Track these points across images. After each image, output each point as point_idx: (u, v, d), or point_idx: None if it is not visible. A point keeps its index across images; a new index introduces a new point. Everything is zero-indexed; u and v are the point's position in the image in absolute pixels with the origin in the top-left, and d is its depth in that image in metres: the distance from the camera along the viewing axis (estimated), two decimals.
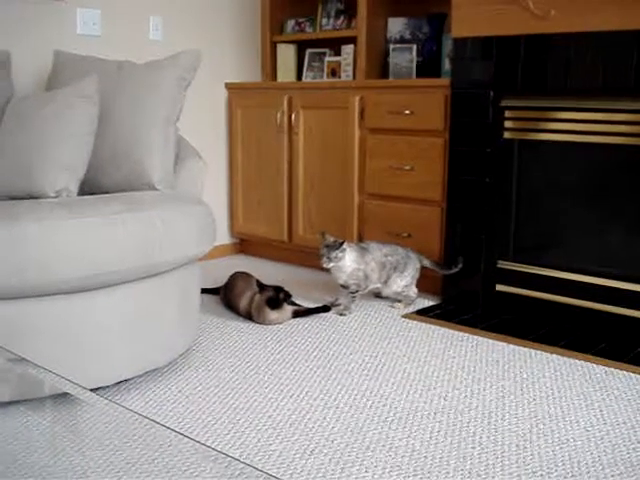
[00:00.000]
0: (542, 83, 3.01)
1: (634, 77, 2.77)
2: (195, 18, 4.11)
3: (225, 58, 4.31)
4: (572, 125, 2.97)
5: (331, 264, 3.21)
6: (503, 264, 3.22)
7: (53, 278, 2.13)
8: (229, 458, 1.37)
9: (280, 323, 3.15)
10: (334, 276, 3.29)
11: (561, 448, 2.08)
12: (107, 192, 2.65)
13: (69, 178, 2.54)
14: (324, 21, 4.19)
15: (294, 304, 3.28)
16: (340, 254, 3.20)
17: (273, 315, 3.13)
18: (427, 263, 3.40)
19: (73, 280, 2.17)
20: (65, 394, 2.08)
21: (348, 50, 4.04)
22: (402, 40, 3.85)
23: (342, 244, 3.20)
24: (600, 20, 2.82)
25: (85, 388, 1.70)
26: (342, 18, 4.11)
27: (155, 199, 2.49)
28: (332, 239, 3.24)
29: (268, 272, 4.03)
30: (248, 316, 3.20)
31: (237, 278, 3.39)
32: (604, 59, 2.84)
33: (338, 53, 4.15)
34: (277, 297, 3.12)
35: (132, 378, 2.50)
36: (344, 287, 3.31)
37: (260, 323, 3.15)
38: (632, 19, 2.74)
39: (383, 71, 3.92)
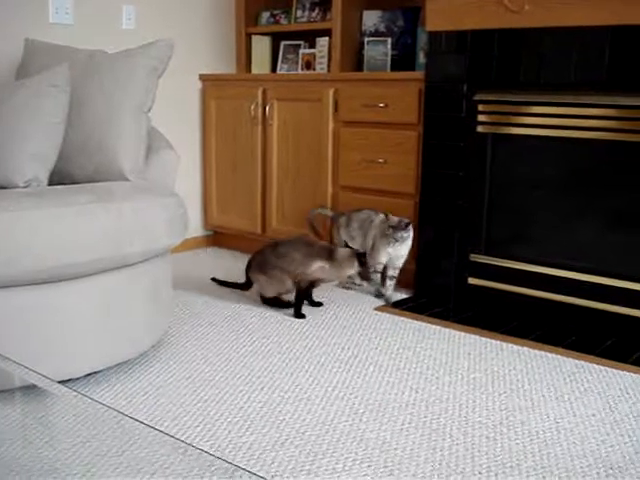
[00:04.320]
0: (515, 77, 3.02)
1: (606, 72, 2.79)
2: (169, 8, 4.07)
3: (199, 49, 4.28)
4: (545, 119, 2.99)
5: (397, 244, 3.29)
6: (475, 257, 3.24)
7: (21, 269, 2.10)
8: (198, 450, 1.36)
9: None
10: (392, 256, 3.34)
11: (531, 440, 2.10)
12: (78, 182, 2.63)
13: (39, 168, 2.51)
14: (299, 13, 4.18)
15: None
16: (405, 234, 3.27)
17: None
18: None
19: (42, 271, 2.14)
20: (34, 386, 2.06)
21: (323, 42, 4.03)
22: (377, 33, 3.84)
23: (408, 225, 3.26)
24: (573, 15, 2.83)
25: (53, 380, 1.68)
26: (317, 10, 4.10)
27: (126, 190, 2.47)
28: (396, 219, 3.28)
29: (241, 264, 4.01)
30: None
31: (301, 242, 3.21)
32: (577, 54, 2.85)
33: (313, 45, 4.14)
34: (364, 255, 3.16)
35: (102, 370, 2.48)
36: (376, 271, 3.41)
37: (328, 277, 3.17)
38: (604, 15, 2.76)
39: (358, 64, 3.91)
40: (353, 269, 3.13)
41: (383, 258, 3.35)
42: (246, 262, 3.28)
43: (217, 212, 4.36)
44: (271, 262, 3.13)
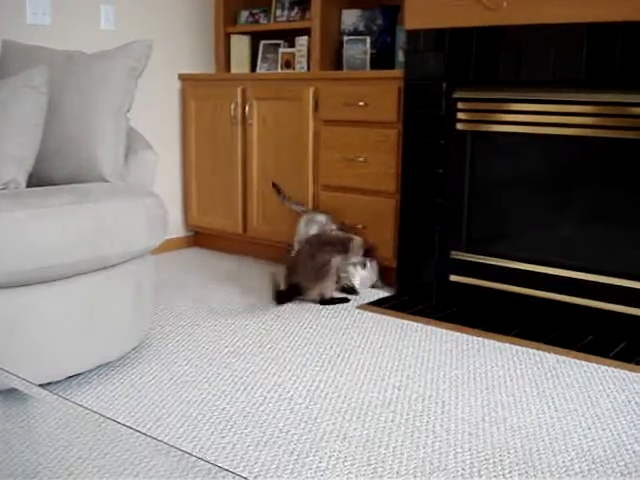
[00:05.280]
0: (494, 75, 3.03)
1: (584, 69, 2.80)
2: (148, 8, 4.06)
3: (179, 49, 4.27)
4: (524, 117, 3.00)
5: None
6: (456, 255, 3.25)
7: (1, 271, 2.09)
8: (180, 452, 1.36)
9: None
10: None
11: (513, 435, 2.11)
12: (56, 184, 2.61)
13: (17, 170, 2.49)
14: (278, 12, 4.18)
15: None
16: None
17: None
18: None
19: (20, 273, 2.12)
20: (14, 390, 2.05)
21: (302, 42, 4.03)
22: (356, 32, 3.85)
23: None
24: (551, 12, 2.84)
25: (33, 384, 1.67)
26: (296, 9, 4.10)
27: (105, 191, 2.46)
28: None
29: (222, 264, 4.01)
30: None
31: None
32: (555, 51, 2.87)
33: (292, 44, 4.14)
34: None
35: (83, 373, 2.46)
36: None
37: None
38: (582, 11, 2.77)
39: (337, 63, 3.91)
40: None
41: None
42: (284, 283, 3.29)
43: (198, 212, 4.34)
44: (322, 266, 3.24)
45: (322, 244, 3.30)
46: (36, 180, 2.62)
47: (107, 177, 2.62)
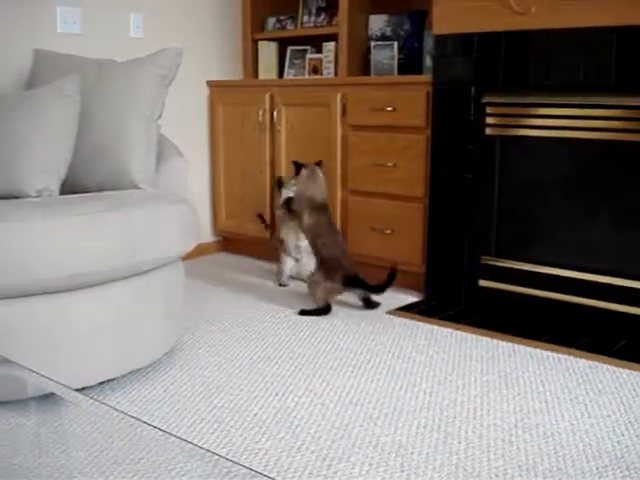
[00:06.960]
0: (523, 79, 3.02)
1: (614, 73, 2.79)
2: (176, 16, 4.09)
3: (207, 56, 4.29)
4: (553, 121, 2.99)
5: None
6: (486, 259, 3.24)
7: (34, 278, 2.11)
8: (216, 456, 1.37)
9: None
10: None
11: (546, 442, 2.09)
12: (89, 191, 2.64)
13: (50, 178, 2.52)
14: (305, 18, 4.19)
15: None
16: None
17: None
18: None
19: (55, 280, 2.15)
20: (48, 395, 2.07)
21: (329, 47, 4.04)
22: (383, 37, 3.85)
23: None
24: (580, 16, 2.83)
25: (70, 388, 1.69)
26: (323, 15, 4.11)
27: (137, 198, 2.48)
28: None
29: (251, 270, 4.02)
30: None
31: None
32: (584, 55, 2.85)
33: (319, 50, 4.15)
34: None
35: (116, 378, 2.48)
36: None
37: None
38: (611, 15, 2.75)
39: (365, 68, 3.92)
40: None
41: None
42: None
43: (226, 217, 4.36)
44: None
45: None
46: (69, 187, 2.65)
47: (139, 184, 2.64)
